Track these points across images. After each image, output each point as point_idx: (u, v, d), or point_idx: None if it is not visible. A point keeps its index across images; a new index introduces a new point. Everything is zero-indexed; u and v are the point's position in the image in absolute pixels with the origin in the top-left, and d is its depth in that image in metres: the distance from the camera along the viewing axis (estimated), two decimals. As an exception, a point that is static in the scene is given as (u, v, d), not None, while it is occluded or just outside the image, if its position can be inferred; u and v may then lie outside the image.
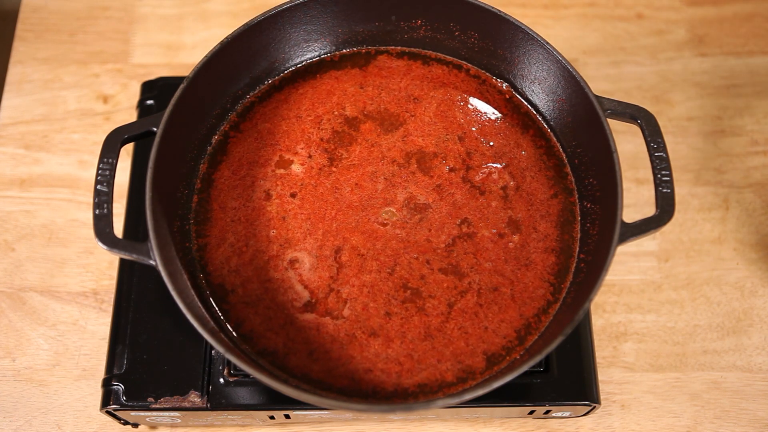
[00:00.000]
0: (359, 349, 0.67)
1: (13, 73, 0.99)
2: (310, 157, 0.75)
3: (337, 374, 0.66)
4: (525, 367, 0.60)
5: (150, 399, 0.72)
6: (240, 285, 0.69)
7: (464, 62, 0.79)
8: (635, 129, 0.92)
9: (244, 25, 0.72)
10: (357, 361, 0.67)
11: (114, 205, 0.65)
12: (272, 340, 0.67)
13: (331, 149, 0.75)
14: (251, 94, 0.77)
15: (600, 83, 0.98)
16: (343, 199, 0.73)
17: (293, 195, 0.73)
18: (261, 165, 0.74)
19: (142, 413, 0.72)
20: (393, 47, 0.80)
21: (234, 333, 0.68)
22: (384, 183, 0.74)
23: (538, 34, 0.72)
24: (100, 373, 0.81)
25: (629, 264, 0.88)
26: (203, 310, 0.67)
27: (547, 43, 0.72)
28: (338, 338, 0.67)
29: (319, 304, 0.69)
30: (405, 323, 0.68)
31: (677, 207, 0.88)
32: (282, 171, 0.74)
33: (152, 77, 0.88)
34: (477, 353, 0.67)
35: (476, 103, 0.77)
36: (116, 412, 0.73)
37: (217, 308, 0.68)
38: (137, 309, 0.75)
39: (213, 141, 0.75)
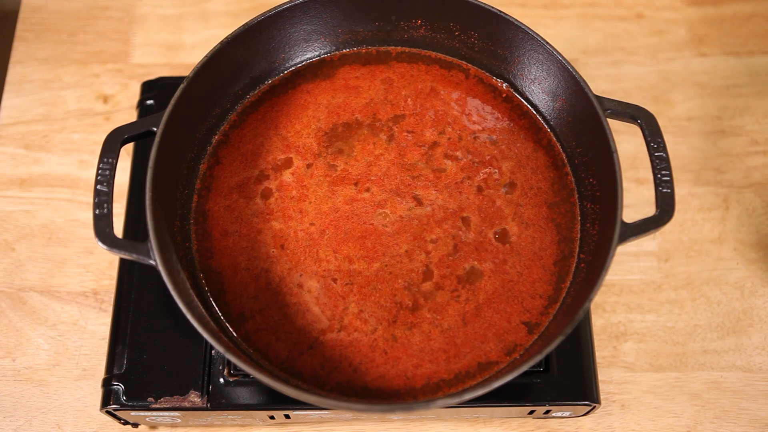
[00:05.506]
0: (402, 350, 0.67)
1: (13, 73, 0.99)
2: (308, 166, 0.75)
3: (389, 377, 0.67)
4: (525, 367, 0.60)
5: (150, 399, 0.72)
6: (258, 311, 0.69)
7: (464, 62, 0.79)
8: (635, 129, 0.92)
9: (244, 25, 0.72)
10: (404, 360, 0.67)
11: (114, 205, 0.65)
12: (308, 363, 0.67)
13: (320, 160, 0.75)
14: (251, 94, 0.77)
15: (600, 83, 0.98)
16: (336, 209, 0.73)
17: (290, 210, 0.73)
18: (252, 185, 0.73)
19: (142, 413, 0.72)
20: (393, 47, 0.80)
21: (234, 333, 0.68)
22: (377, 188, 0.74)
23: (538, 34, 0.72)
24: (100, 373, 0.81)
25: (629, 264, 0.88)
26: (203, 310, 0.67)
27: (547, 43, 0.72)
28: (377, 346, 0.67)
29: (339, 322, 0.68)
30: (438, 313, 0.68)
31: (677, 207, 0.88)
32: (274, 187, 0.74)
33: (152, 77, 0.88)
34: (517, 325, 0.68)
35: (475, 103, 0.77)
36: (116, 412, 0.73)
37: (241, 339, 0.68)
38: (137, 309, 0.75)
39: (213, 141, 0.75)
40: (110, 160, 0.66)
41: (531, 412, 0.76)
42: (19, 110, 0.96)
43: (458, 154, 0.75)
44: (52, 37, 1.01)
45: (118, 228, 0.79)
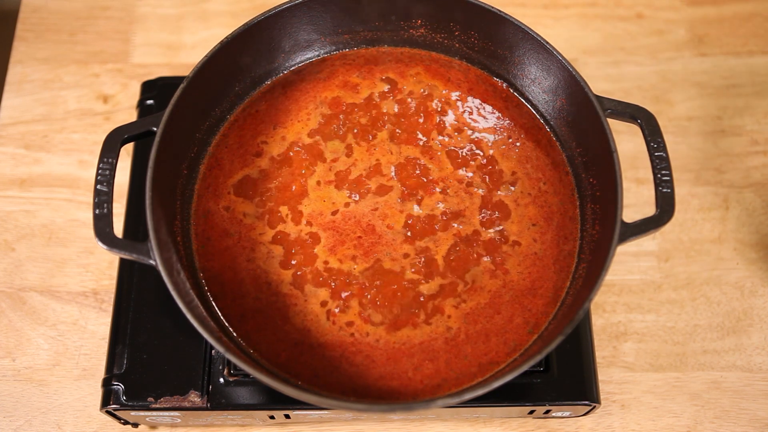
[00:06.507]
0: (403, 349, 0.67)
1: (13, 73, 0.99)
2: (308, 166, 0.75)
3: (390, 377, 0.67)
4: (525, 367, 0.60)
5: (150, 399, 0.72)
6: (259, 311, 0.69)
7: (464, 62, 0.79)
8: (635, 129, 0.92)
9: (243, 25, 0.72)
10: (404, 360, 0.67)
11: (114, 205, 0.65)
12: (308, 363, 0.67)
13: (320, 160, 0.75)
14: (251, 94, 0.77)
15: (600, 83, 0.98)
16: (336, 209, 0.73)
17: (290, 211, 0.73)
18: (251, 185, 0.73)
19: (142, 413, 0.72)
20: (393, 47, 0.80)
21: (234, 333, 0.68)
22: (377, 188, 0.74)
23: (538, 34, 0.72)
24: (100, 373, 0.81)
25: (629, 264, 0.88)
26: (203, 310, 0.67)
27: (547, 42, 0.71)
28: (377, 346, 0.67)
29: (339, 322, 0.68)
30: (438, 313, 0.68)
31: (677, 207, 0.88)
32: (274, 187, 0.73)
33: (152, 77, 0.88)
34: (518, 324, 0.68)
35: (476, 103, 0.77)
36: (116, 412, 0.73)
37: (241, 339, 0.68)
38: (137, 309, 0.75)
39: (213, 141, 0.75)
40: (110, 160, 0.66)
41: (531, 412, 0.76)
42: (19, 110, 0.96)
43: (458, 154, 0.75)
44: (52, 37, 1.01)
45: (118, 228, 0.79)
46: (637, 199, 0.91)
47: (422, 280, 0.70)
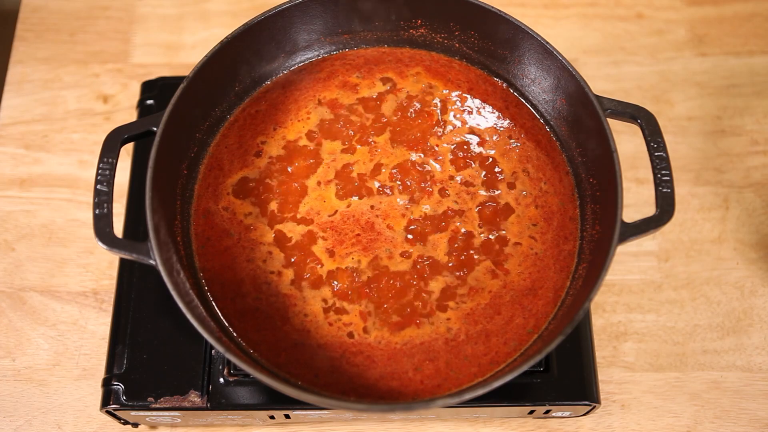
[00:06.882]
0: (403, 350, 0.67)
1: (13, 73, 0.99)
2: (307, 166, 0.75)
3: (390, 377, 0.67)
4: (525, 367, 0.60)
5: (150, 399, 0.72)
6: (258, 311, 0.69)
7: (464, 62, 0.79)
8: (635, 129, 0.92)
9: (243, 24, 0.72)
10: (404, 360, 0.67)
11: (114, 205, 0.65)
12: (308, 362, 0.67)
13: (320, 160, 0.75)
14: (251, 94, 0.77)
15: (600, 83, 0.98)
16: (336, 209, 0.73)
17: (289, 210, 0.72)
18: (251, 184, 0.73)
19: (142, 413, 0.72)
20: (393, 47, 0.80)
21: (234, 334, 0.68)
22: (377, 188, 0.74)
23: (538, 34, 0.72)
24: (100, 373, 0.81)
25: (629, 264, 0.88)
26: (203, 310, 0.67)
27: (547, 42, 0.72)
28: (377, 346, 0.67)
29: (339, 322, 0.68)
30: (438, 314, 0.68)
31: (677, 207, 0.88)
32: (274, 186, 0.73)
33: (152, 77, 0.88)
34: (517, 325, 0.68)
35: (475, 103, 0.77)
36: (116, 412, 0.73)
37: (241, 339, 0.68)
38: (137, 309, 0.75)
39: (213, 141, 0.75)
40: (110, 160, 0.66)
41: (531, 412, 0.76)
42: (19, 110, 0.96)
43: (458, 154, 0.75)
44: (52, 37, 1.01)
45: (118, 228, 0.79)
46: (637, 199, 0.91)
47: (422, 281, 0.70)
